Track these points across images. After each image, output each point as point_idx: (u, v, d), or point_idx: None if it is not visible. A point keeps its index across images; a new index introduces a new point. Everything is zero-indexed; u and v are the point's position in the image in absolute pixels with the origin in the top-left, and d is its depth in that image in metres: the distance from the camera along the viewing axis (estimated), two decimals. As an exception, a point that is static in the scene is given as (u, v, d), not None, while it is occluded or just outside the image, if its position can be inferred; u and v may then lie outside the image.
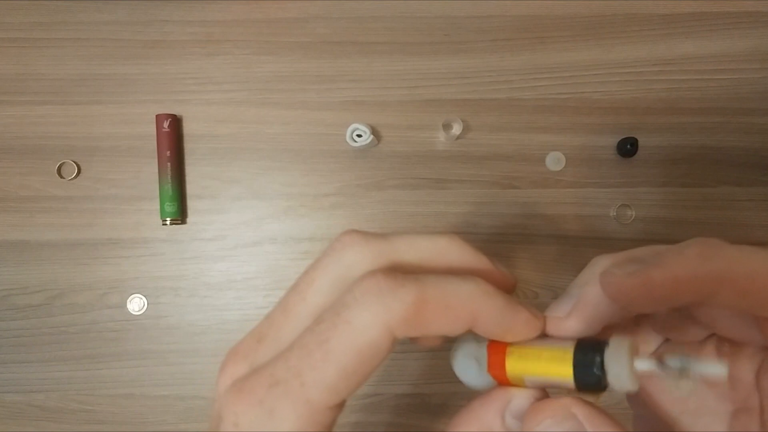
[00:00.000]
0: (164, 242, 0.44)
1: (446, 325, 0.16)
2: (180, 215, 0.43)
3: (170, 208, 0.42)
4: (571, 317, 0.18)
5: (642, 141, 0.43)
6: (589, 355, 0.16)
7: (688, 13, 0.44)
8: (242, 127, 0.44)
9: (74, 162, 0.43)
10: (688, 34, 0.44)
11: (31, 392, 0.43)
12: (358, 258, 0.18)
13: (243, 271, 0.44)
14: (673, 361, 0.15)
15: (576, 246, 0.43)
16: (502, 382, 0.18)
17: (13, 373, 0.43)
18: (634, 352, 0.16)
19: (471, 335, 0.18)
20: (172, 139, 0.43)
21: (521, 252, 0.43)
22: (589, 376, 0.16)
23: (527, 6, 0.44)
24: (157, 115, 0.43)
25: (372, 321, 0.16)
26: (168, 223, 0.43)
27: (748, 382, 0.20)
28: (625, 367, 0.15)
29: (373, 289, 0.16)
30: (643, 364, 0.15)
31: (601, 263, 0.19)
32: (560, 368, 0.16)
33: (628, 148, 0.42)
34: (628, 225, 0.43)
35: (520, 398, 0.17)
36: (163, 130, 0.43)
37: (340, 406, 0.17)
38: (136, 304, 0.43)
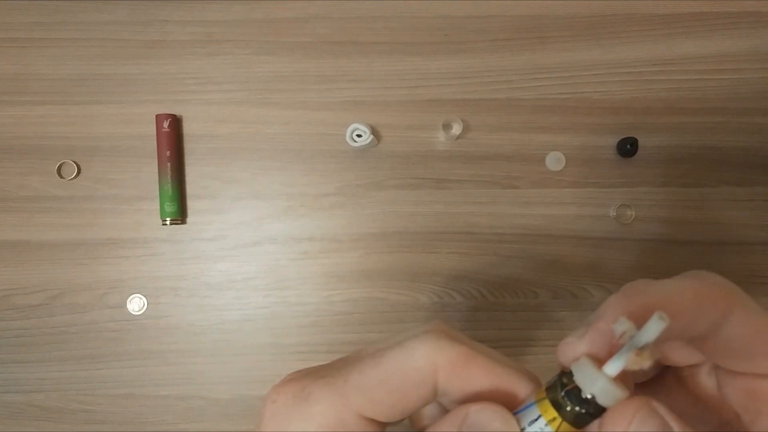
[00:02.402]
0: (164, 242, 0.44)
1: (487, 384, 0.18)
2: (180, 215, 0.43)
3: (170, 208, 0.42)
4: (583, 340, 0.18)
5: (642, 141, 0.43)
6: (562, 390, 0.16)
7: (688, 13, 0.44)
8: (242, 127, 0.44)
9: (74, 162, 0.43)
10: (688, 34, 0.44)
11: (31, 392, 0.43)
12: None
13: (243, 271, 0.44)
14: (628, 349, 0.16)
15: (576, 246, 0.43)
16: None
17: (13, 373, 0.43)
18: (598, 365, 0.16)
19: None
20: (172, 139, 0.43)
21: (521, 252, 0.43)
22: (576, 408, 0.16)
23: (527, 6, 0.44)
24: (157, 115, 0.43)
25: (424, 352, 0.17)
26: (168, 223, 0.43)
27: (716, 396, 0.21)
28: (603, 379, 0.16)
29: (435, 333, 0.18)
30: (613, 368, 0.16)
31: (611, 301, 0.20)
32: (547, 414, 0.16)
33: (628, 148, 0.42)
34: (628, 225, 0.43)
35: (477, 412, 0.17)
36: (163, 130, 0.43)
37: (368, 425, 0.18)
38: (136, 304, 0.43)
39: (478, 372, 0.18)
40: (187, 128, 0.44)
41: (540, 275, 0.43)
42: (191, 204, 0.44)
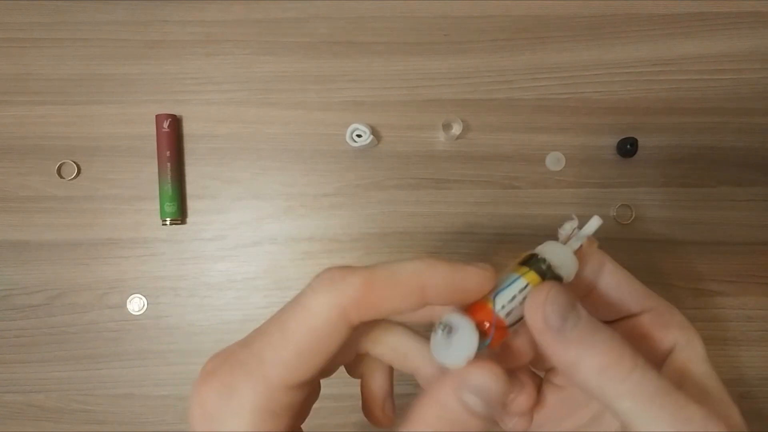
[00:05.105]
0: (164, 242, 0.44)
1: (397, 300, 0.18)
2: (180, 215, 0.43)
3: (170, 208, 0.42)
4: None
5: (642, 141, 0.43)
6: (537, 257, 0.22)
7: (688, 13, 0.44)
8: (242, 127, 0.44)
9: (74, 162, 0.43)
10: (688, 34, 0.44)
11: (31, 392, 0.43)
12: None
13: (243, 271, 0.44)
14: (578, 238, 0.22)
15: (576, 246, 0.43)
16: (492, 330, 0.19)
17: (13, 373, 0.43)
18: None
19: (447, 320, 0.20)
20: (172, 139, 0.43)
21: (521, 252, 0.43)
22: (547, 269, 0.21)
23: (527, 6, 0.44)
24: (157, 115, 0.43)
25: (325, 303, 0.17)
26: (168, 223, 0.43)
27: (574, 392, 0.23)
28: (569, 251, 0.22)
29: (327, 278, 0.18)
30: (572, 245, 0.22)
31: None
32: (530, 278, 0.21)
33: (628, 148, 0.42)
34: (628, 225, 0.43)
35: (476, 375, 0.18)
36: (163, 130, 0.43)
37: (300, 388, 0.18)
38: (136, 304, 0.43)
39: (383, 292, 0.18)
40: (187, 128, 0.44)
41: (540, 275, 0.43)
42: (191, 204, 0.44)
